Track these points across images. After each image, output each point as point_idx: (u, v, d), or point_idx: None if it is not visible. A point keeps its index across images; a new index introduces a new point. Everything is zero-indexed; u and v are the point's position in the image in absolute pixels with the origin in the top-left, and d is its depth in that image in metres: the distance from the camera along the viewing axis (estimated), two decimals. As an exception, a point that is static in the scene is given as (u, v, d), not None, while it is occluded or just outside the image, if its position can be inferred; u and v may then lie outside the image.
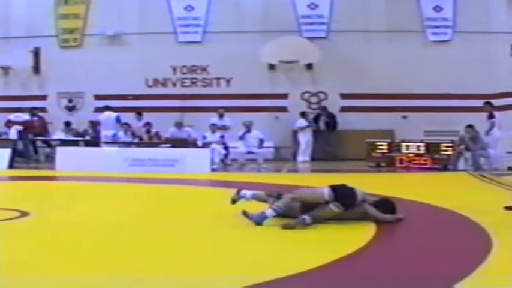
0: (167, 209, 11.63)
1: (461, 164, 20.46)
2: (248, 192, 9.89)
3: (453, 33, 26.71)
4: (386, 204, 9.43)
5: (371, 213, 9.19)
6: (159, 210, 11.41)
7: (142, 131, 23.15)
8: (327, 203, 8.96)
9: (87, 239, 8.01)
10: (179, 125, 22.87)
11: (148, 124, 23.29)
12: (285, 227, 8.61)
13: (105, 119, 24.26)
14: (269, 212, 8.97)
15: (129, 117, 24.16)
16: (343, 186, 9.27)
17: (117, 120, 23.67)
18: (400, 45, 26.16)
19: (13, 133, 23.21)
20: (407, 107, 26.30)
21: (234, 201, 9.78)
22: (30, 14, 27.17)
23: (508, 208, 10.09)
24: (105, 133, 23.56)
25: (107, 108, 24.78)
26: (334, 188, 9.13)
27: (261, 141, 23.00)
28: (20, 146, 23.22)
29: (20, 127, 23.47)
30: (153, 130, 23.14)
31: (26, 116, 24.48)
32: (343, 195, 9.08)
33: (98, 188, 15.69)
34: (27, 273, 6.21)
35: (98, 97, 27.14)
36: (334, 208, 8.96)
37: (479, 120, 21.36)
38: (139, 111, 24.73)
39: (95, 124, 25.08)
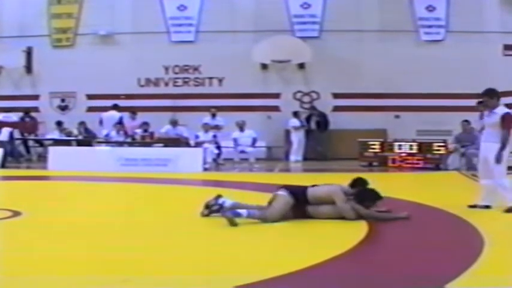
0: (159, 208, 11.63)
1: (456, 160, 20.51)
2: (228, 201, 9.60)
3: (446, 33, 26.72)
4: (367, 194, 9.47)
5: (365, 214, 9.21)
6: (151, 209, 11.41)
7: (137, 131, 23.15)
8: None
9: (78, 239, 8.01)
10: (174, 123, 22.96)
11: (145, 124, 23.25)
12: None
13: (108, 118, 24.13)
14: (244, 212, 9.08)
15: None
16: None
17: (120, 120, 23.59)
18: (392, 45, 26.16)
19: (5, 134, 23.12)
20: (399, 106, 26.31)
21: (207, 207, 9.64)
22: (22, 14, 27.08)
23: (508, 210, 10.14)
24: (106, 132, 23.50)
25: (114, 107, 24.55)
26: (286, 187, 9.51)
27: (254, 140, 23.04)
28: (10, 146, 23.20)
29: (10, 128, 23.42)
30: (150, 130, 23.17)
31: (15, 117, 24.54)
32: (290, 187, 9.48)
33: (91, 187, 15.68)
34: (18, 273, 6.21)
35: (90, 97, 27.10)
36: (281, 193, 9.29)
37: (471, 120, 21.38)
38: (133, 111, 24.76)
39: (85, 124, 25.02)
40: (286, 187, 9.49)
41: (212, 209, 9.62)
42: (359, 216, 9.17)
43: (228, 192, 10.49)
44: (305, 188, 9.49)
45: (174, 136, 22.42)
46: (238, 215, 8.97)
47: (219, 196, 9.67)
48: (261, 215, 9.13)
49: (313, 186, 9.59)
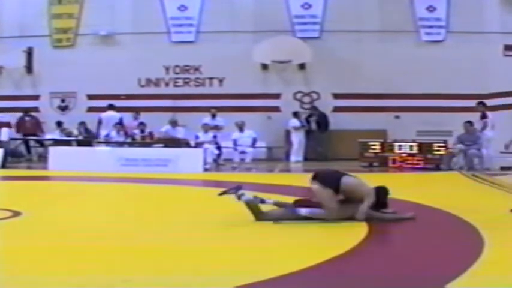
0: (159, 208, 11.62)
1: (460, 160, 20.50)
2: (246, 195, 9.37)
3: (446, 33, 26.72)
4: (379, 199, 9.42)
5: (373, 214, 9.19)
6: (151, 210, 11.40)
7: (135, 131, 23.24)
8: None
9: (78, 239, 7.99)
10: (174, 123, 23.01)
11: (142, 124, 23.40)
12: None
13: (107, 117, 24.30)
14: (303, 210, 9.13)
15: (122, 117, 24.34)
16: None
17: (120, 121, 23.72)
18: (393, 45, 26.16)
19: (5, 134, 23.11)
20: (400, 107, 26.30)
21: (223, 193, 9.45)
22: (23, 14, 27.09)
23: None
24: (105, 132, 23.62)
25: (111, 107, 24.80)
26: (318, 178, 9.38)
27: (254, 140, 23.04)
28: (11, 146, 23.23)
29: (6, 128, 23.48)
30: (147, 130, 23.22)
31: (8, 117, 24.64)
32: (322, 175, 9.43)
33: (91, 188, 15.69)
34: (17, 273, 6.20)
35: (90, 97, 27.11)
36: (316, 186, 9.19)
37: (473, 120, 21.40)
38: (137, 111, 24.86)
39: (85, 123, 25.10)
40: (318, 178, 9.34)
41: (230, 193, 9.45)
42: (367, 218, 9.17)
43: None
44: (339, 176, 9.32)
45: (172, 136, 22.47)
46: (297, 213, 9.10)
47: (239, 187, 9.47)
48: (322, 214, 9.17)
49: (347, 174, 9.48)
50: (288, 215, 9.18)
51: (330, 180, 9.22)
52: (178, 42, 27.29)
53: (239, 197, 9.29)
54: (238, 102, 26.22)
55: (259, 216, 9.22)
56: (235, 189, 9.41)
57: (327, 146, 25.81)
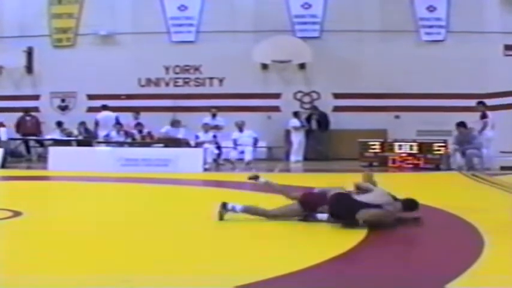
0: (159, 208, 11.61)
1: (457, 158, 20.46)
2: (238, 206, 9.24)
3: (446, 33, 26.71)
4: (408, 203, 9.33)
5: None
6: (151, 209, 11.39)
7: (133, 131, 23.26)
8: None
9: (78, 239, 7.98)
10: (177, 123, 22.99)
11: (139, 124, 23.39)
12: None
13: (104, 118, 24.35)
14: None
15: (121, 117, 24.33)
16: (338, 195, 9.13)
17: (117, 121, 23.73)
18: (393, 45, 26.17)
19: (3, 133, 23.13)
20: (400, 106, 26.30)
21: (221, 217, 9.15)
22: (23, 14, 27.09)
23: None
24: (103, 133, 23.65)
25: (105, 107, 24.89)
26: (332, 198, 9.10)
27: (256, 140, 23.02)
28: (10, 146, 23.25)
29: (4, 128, 23.51)
30: (145, 130, 23.23)
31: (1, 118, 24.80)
32: (337, 212, 8.95)
33: (91, 187, 15.68)
34: (17, 273, 6.20)
35: (90, 97, 27.11)
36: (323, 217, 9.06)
37: (471, 120, 21.37)
38: (137, 111, 24.86)
39: (86, 124, 25.11)
40: (335, 216, 8.93)
41: (226, 214, 9.22)
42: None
43: (229, 193, 10.45)
44: (354, 211, 8.64)
45: (172, 137, 22.48)
46: (315, 218, 9.13)
47: (224, 204, 9.23)
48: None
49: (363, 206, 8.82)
50: (294, 212, 9.22)
51: (345, 215, 8.79)
52: (178, 42, 27.29)
53: (233, 210, 9.24)
54: (238, 102, 26.22)
55: (267, 215, 9.21)
56: (224, 207, 9.21)
57: (327, 145, 25.84)
